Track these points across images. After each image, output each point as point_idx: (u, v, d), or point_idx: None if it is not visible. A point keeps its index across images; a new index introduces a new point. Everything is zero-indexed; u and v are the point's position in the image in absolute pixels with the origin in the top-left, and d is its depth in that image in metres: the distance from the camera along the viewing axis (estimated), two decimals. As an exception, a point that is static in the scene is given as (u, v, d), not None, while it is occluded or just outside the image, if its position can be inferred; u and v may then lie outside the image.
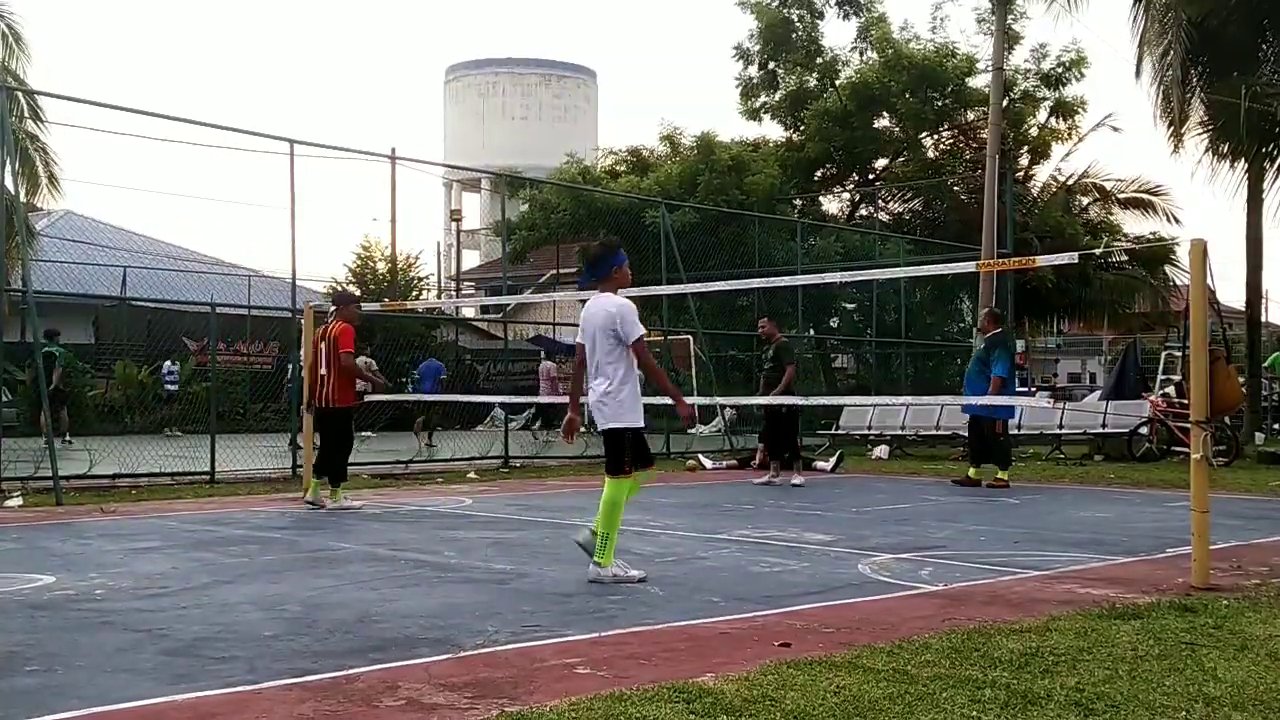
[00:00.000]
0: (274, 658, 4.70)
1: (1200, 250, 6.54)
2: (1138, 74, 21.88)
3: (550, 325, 32.84)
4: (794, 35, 29.88)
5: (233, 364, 23.94)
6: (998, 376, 12.85)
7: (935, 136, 31.07)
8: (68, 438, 17.97)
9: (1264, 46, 21.79)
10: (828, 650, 4.78)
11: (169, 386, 23.56)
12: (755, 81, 30.71)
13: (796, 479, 13.57)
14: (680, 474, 15.67)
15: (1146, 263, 29.50)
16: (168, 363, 23.57)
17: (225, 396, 20.77)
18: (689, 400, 8.79)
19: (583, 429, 10.06)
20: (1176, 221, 29.99)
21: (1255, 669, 4.51)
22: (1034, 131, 29.96)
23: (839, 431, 20.46)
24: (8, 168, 12.68)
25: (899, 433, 19.60)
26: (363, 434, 17.24)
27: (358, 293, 26.89)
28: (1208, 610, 5.62)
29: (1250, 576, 6.79)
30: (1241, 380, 20.40)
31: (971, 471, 13.46)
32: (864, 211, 31.45)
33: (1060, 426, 18.69)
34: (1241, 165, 21.92)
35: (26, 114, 22.18)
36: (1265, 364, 23.92)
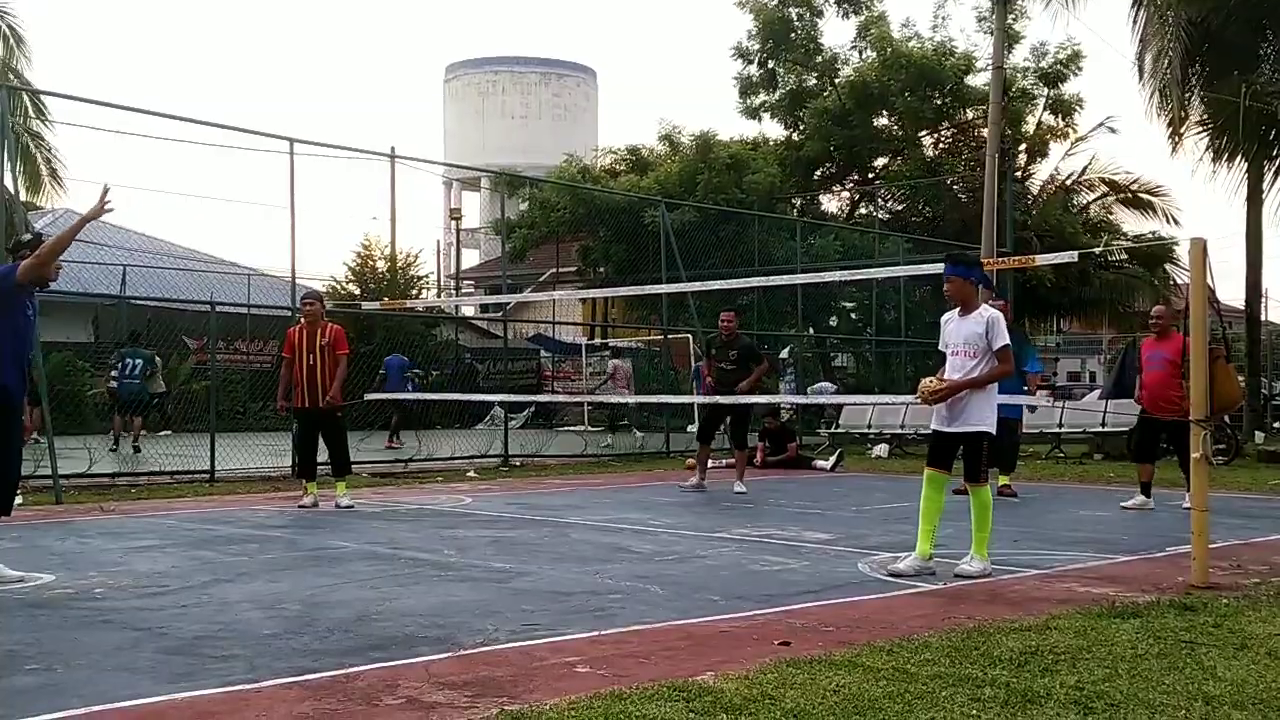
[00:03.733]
0: (274, 656, 4.70)
1: (1200, 249, 6.55)
2: (1139, 74, 21.86)
3: (550, 324, 32.84)
4: (793, 34, 29.86)
5: (232, 363, 23.89)
6: (1035, 373, 12.61)
7: (934, 135, 31.06)
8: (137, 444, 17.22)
9: (1264, 46, 21.79)
10: (827, 649, 4.78)
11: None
12: (754, 80, 30.68)
13: (693, 479, 12.96)
14: (680, 472, 15.65)
15: (1146, 262, 29.48)
16: None
17: (225, 395, 20.66)
18: (685, 399, 8.79)
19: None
20: (1175, 222, 29.97)
21: (1255, 668, 4.51)
22: (1032, 130, 29.94)
23: (839, 430, 20.46)
24: (8, 166, 12.66)
25: (899, 431, 19.60)
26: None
27: (356, 291, 26.95)
28: (1207, 609, 5.63)
29: (1250, 575, 6.80)
30: (1241, 379, 20.39)
31: (1005, 480, 12.05)
32: (863, 210, 31.44)
33: (1060, 425, 18.69)
34: (1241, 164, 21.91)
35: (29, 113, 22.20)
36: None
